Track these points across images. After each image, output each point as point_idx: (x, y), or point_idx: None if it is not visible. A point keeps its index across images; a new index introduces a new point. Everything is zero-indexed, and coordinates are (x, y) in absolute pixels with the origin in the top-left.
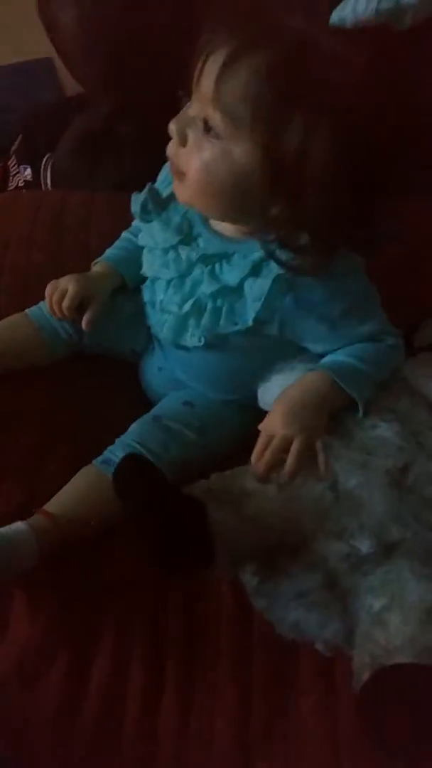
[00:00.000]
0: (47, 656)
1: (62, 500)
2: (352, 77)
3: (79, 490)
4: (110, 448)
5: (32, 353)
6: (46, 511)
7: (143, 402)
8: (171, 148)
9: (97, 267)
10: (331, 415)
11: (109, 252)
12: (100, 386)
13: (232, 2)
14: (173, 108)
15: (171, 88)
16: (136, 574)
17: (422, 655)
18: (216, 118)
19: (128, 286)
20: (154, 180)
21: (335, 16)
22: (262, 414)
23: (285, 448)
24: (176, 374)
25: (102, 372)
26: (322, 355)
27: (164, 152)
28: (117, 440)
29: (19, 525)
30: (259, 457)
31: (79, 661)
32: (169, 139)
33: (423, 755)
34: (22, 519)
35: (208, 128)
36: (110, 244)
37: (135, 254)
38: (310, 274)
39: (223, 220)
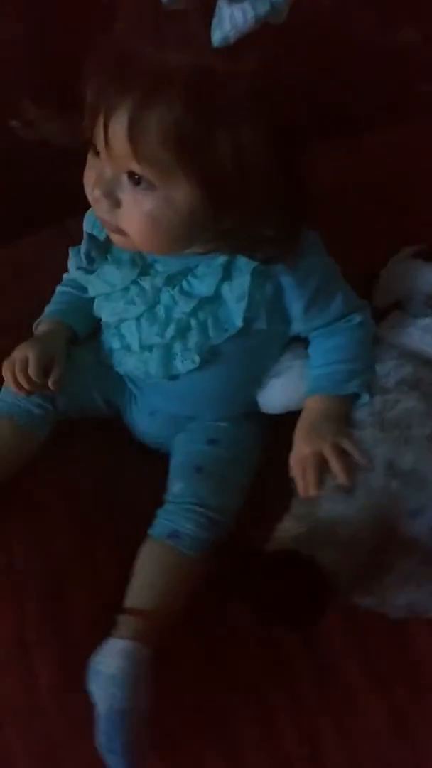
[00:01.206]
0: None
1: (144, 590)
2: (252, 85)
3: (157, 574)
4: (168, 516)
5: (20, 451)
6: (137, 609)
7: (148, 451)
8: (102, 212)
9: (43, 326)
10: (346, 416)
11: (49, 308)
12: (100, 451)
13: (108, 49)
14: None
15: None
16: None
17: None
18: (143, 171)
19: (79, 337)
20: None
21: (217, 36)
22: (270, 420)
23: (319, 461)
24: (172, 411)
25: (94, 436)
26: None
27: None
28: (170, 505)
29: (122, 646)
30: (305, 486)
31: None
32: None
33: None
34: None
35: (137, 181)
36: None
37: (77, 305)
38: (284, 262)
39: (173, 253)
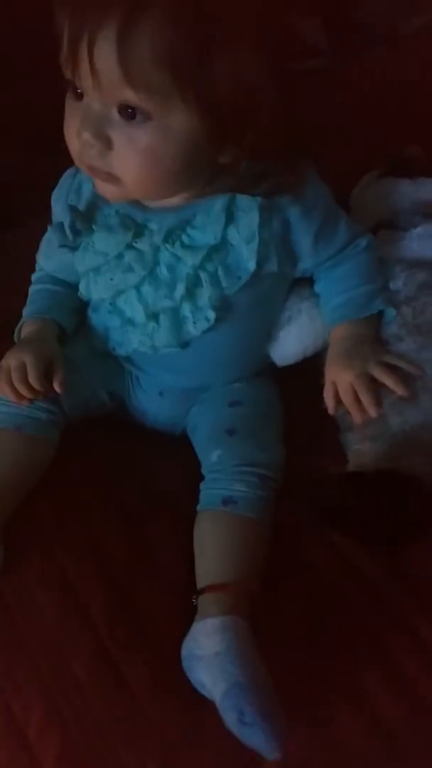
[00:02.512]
0: None
1: (216, 564)
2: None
3: (224, 544)
4: (215, 485)
5: (36, 461)
6: (216, 584)
7: (161, 434)
8: (92, 158)
9: (28, 327)
10: (377, 336)
11: (29, 309)
12: (117, 445)
13: None
14: None
15: None
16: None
17: None
18: (136, 99)
19: (67, 334)
20: None
21: None
22: (280, 372)
23: (369, 382)
24: (184, 385)
25: (104, 432)
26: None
27: None
28: (213, 474)
29: (214, 623)
30: (359, 409)
31: None
32: None
33: None
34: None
35: (131, 114)
36: None
37: (58, 299)
38: (290, 192)
39: (169, 197)
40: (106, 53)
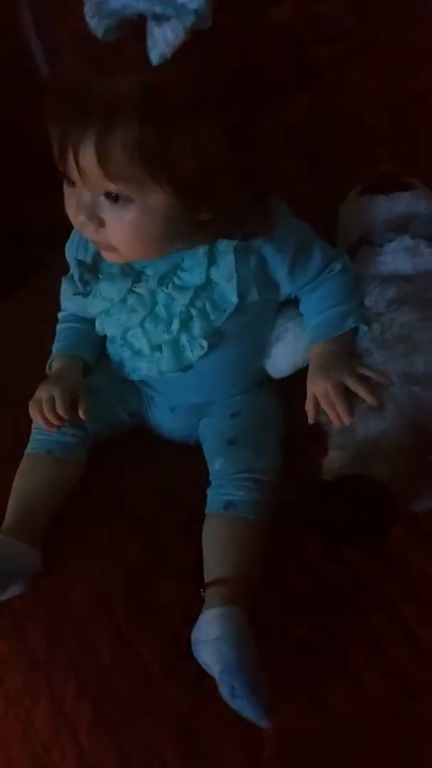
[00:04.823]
0: None
1: (217, 562)
2: (196, 87)
3: (224, 543)
4: (218, 491)
5: (66, 478)
6: (218, 579)
7: (176, 445)
8: (90, 234)
9: (56, 363)
10: (352, 351)
11: (57, 346)
12: (136, 456)
13: (62, 89)
14: None
15: None
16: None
17: None
18: (117, 189)
19: (90, 366)
20: None
21: (155, 56)
22: (280, 383)
23: (344, 392)
24: (191, 401)
25: (125, 446)
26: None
27: None
28: (216, 481)
29: (215, 613)
30: (336, 415)
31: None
32: None
33: None
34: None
35: (115, 199)
36: None
37: (82, 336)
38: (263, 235)
39: (160, 256)
40: (88, 158)
